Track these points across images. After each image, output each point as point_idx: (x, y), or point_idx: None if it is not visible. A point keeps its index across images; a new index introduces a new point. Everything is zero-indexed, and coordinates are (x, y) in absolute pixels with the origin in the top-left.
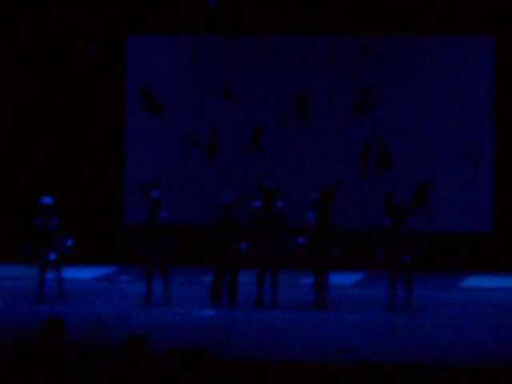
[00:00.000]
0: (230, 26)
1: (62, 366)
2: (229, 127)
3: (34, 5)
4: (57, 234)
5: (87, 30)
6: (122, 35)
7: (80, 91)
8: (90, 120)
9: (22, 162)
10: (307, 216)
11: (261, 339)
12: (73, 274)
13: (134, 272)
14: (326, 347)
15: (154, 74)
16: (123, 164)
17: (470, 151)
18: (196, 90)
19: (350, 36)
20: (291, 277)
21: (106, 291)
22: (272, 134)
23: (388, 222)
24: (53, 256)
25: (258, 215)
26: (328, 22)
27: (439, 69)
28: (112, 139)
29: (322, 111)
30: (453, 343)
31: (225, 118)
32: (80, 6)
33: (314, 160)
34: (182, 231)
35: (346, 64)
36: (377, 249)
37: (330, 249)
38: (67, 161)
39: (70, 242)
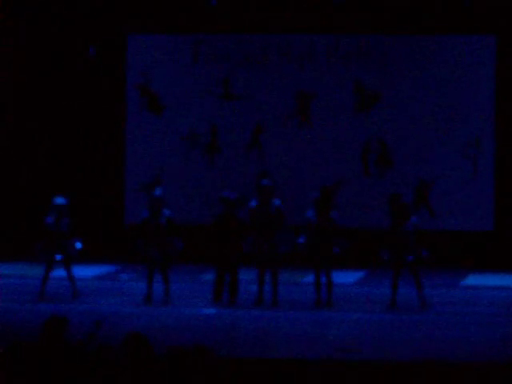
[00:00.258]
0: (230, 26)
1: (63, 364)
2: (229, 126)
3: (34, 4)
4: (67, 234)
5: (87, 28)
6: (122, 34)
7: (80, 90)
8: (90, 119)
9: (22, 162)
10: (307, 215)
11: (262, 338)
12: (74, 272)
13: (136, 270)
14: (328, 346)
15: (154, 73)
16: (123, 163)
17: (471, 150)
18: (196, 90)
19: (350, 35)
20: (292, 275)
21: (108, 290)
22: (272, 134)
23: (392, 222)
24: (58, 257)
25: (255, 214)
26: (328, 21)
27: (439, 68)
28: (112, 138)
29: (322, 110)
30: (454, 341)
31: (225, 118)
32: (80, 5)
33: (315, 159)
34: (182, 230)
35: (346, 63)
36: (380, 248)
37: (331, 247)
38: (68, 160)
39: (79, 245)
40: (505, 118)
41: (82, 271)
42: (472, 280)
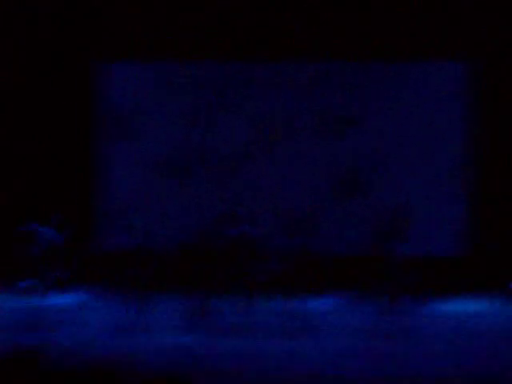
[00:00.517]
0: (204, 53)
1: None
2: (202, 153)
3: (6, 28)
4: (47, 261)
5: (60, 54)
6: (95, 61)
7: (50, 118)
8: (63, 147)
9: None
10: (284, 242)
11: (236, 366)
12: (44, 301)
13: (108, 298)
14: (304, 374)
15: (128, 100)
16: (96, 191)
17: (447, 175)
18: (167, 117)
19: (321, 61)
20: (266, 303)
21: (81, 318)
22: (246, 161)
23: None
24: (37, 283)
25: (232, 242)
26: (299, 46)
27: (413, 94)
28: (84, 165)
29: (296, 137)
30: (429, 369)
31: (198, 145)
32: (53, 33)
33: (288, 186)
34: (158, 256)
35: (320, 90)
36: (364, 274)
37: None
38: (39, 188)
39: (60, 272)
40: (481, 144)
41: (55, 299)
42: (448, 306)
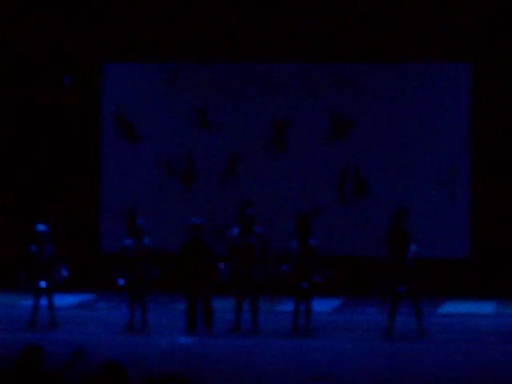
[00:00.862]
0: (207, 54)
1: None
2: (205, 154)
3: (10, 32)
4: (52, 261)
5: (63, 57)
6: (98, 62)
7: (56, 119)
8: (67, 148)
9: None
10: (290, 243)
11: (240, 366)
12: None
13: (113, 299)
14: (306, 374)
15: (130, 101)
16: (99, 192)
17: (447, 177)
18: (172, 118)
19: (324, 63)
20: (267, 303)
21: (84, 318)
22: (248, 161)
23: (392, 250)
24: (43, 284)
25: (237, 242)
26: (303, 49)
27: (415, 95)
28: (88, 167)
29: (298, 139)
30: (430, 370)
31: (201, 146)
32: (56, 33)
33: (291, 187)
34: (159, 258)
35: (322, 91)
36: (378, 276)
37: (313, 275)
38: (44, 189)
39: (65, 272)
40: (481, 145)
41: (59, 300)
42: (448, 308)
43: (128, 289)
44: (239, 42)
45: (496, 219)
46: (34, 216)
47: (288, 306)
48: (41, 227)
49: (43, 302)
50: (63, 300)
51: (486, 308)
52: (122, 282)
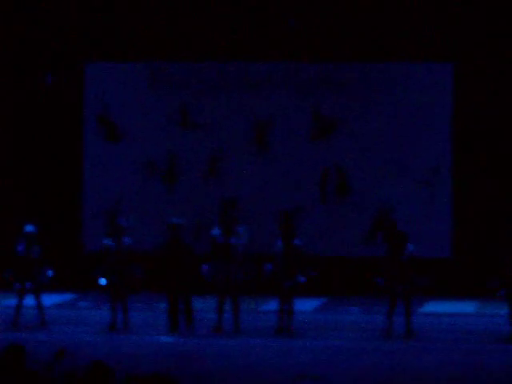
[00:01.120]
0: (188, 53)
1: None
2: (187, 154)
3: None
4: (38, 262)
5: (44, 57)
6: (80, 62)
7: (38, 119)
8: (48, 147)
9: None
10: (274, 243)
11: (222, 366)
12: (32, 301)
13: (95, 298)
14: (289, 374)
15: (112, 101)
16: (82, 191)
17: (429, 177)
18: (154, 117)
19: (307, 63)
20: (249, 303)
21: (67, 318)
22: (230, 161)
23: (388, 249)
24: (28, 284)
25: (218, 242)
26: (285, 48)
27: (397, 95)
28: (70, 166)
29: (280, 138)
30: (415, 368)
31: (183, 145)
32: (37, 34)
33: (273, 187)
34: (141, 258)
35: (304, 91)
36: (374, 275)
37: (297, 275)
38: (26, 189)
39: (50, 273)
40: (462, 145)
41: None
42: (430, 307)
43: (109, 288)
44: (221, 41)
45: (477, 219)
46: (20, 216)
47: (271, 306)
48: (29, 228)
49: (27, 302)
50: (44, 300)
51: (468, 307)
52: (103, 281)
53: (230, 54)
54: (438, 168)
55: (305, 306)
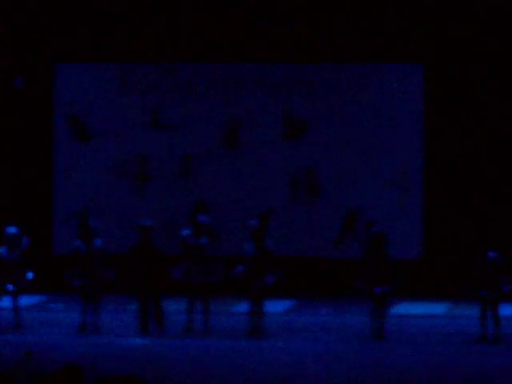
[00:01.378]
0: (158, 54)
1: None
2: (157, 155)
3: None
4: (19, 264)
5: (14, 58)
6: (50, 63)
7: (7, 119)
8: (18, 148)
9: None
10: (245, 244)
11: (193, 367)
12: (7, 303)
13: (65, 300)
14: (260, 375)
15: (82, 102)
16: (51, 193)
17: (399, 179)
18: (124, 118)
19: (277, 64)
20: (221, 305)
21: (37, 320)
22: (201, 162)
23: (366, 251)
24: (10, 287)
25: (188, 242)
26: (256, 50)
27: (368, 97)
28: (40, 167)
29: (252, 139)
30: (383, 370)
31: (153, 146)
32: (7, 33)
33: (244, 188)
34: (112, 260)
35: (275, 92)
36: (351, 278)
37: (266, 277)
38: None
39: (30, 275)
40: (433, 146)
41: (11, 302)
42: (401, 309)
43: (80, 290)
44: (192, 42)
45: (448, 220)
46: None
47: (243, 308)
48: (11, 230)
49: (1, 303)
50: (20, 301)
51: (438, 309)
52: (76, 282)
53: (200, 56)
54: (408, 169)
55: (276, 307)
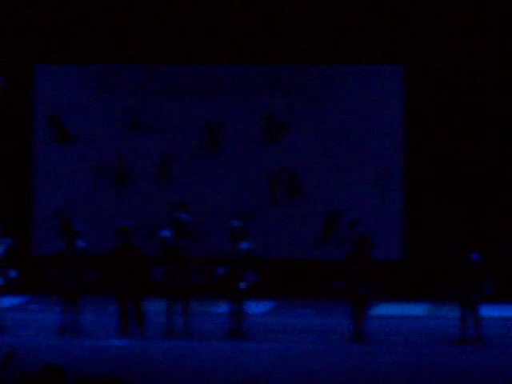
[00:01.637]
0: (137, 56)
1: None
2: (137, 157)
3: None
4: (3, 263)
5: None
6: (30, 64)
7: None
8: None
9: None
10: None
11: (173, 369)
12: None
13: (45, 301)
14: (240, 376)
15: (63, 103)
16: (32, 194)
17: (380, 180)
18: (104, 120)
19: (258, 66)
20: (201, 306)
21: (17, 321)
22: (181, 164)
23: (350, 251)
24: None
25: (168, 244)
26: (236, 51)
27: (348, 98)
28: (20, 169)
29: (232, 140)
30: (363, 371)
31: (133, 148)
32: None
33: (224, 189)
34: (93, 261)
35: (255, 93)
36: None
37: (247, 277)
38: None
39: (13, 273)
40: (413, 147)
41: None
42: (380, 310)
43: (61, 291)
44: (172, 44)
45: (428, 221)
46: None
47: (223, 309)
48: None
49: None
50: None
51: (418, 310)
52: (58, 284)
53: (180, 57)
54: (389, 170)
55: (256, 308)
